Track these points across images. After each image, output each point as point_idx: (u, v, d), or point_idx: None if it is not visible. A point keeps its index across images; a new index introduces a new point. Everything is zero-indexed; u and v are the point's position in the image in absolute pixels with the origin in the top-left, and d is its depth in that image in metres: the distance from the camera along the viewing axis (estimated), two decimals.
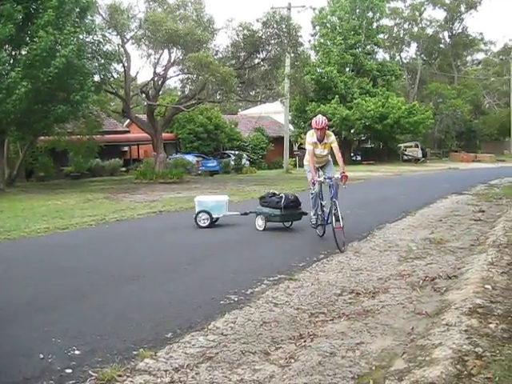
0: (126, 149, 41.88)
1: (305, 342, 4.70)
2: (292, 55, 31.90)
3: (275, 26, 29.68)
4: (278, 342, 4.74)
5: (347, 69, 49.59)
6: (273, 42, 30.54)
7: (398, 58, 70.39)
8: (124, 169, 38.18)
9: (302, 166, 13.22)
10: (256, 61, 32.19)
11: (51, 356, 4.45)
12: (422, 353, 4.20)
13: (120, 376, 4.01)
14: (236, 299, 6.10)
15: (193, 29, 27.61)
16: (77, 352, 4.53)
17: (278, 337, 4.85)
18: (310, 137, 9.74)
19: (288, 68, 32.79)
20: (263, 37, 30.20)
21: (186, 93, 33.19)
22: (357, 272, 7.32)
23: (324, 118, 9.61)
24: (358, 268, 7.57)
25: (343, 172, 9.24)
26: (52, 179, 32.68)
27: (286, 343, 4.70)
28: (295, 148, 45.81)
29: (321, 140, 9.65)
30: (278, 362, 4.30)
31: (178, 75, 32.58)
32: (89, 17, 26.53)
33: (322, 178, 9.61)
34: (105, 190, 24.02)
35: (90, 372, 4.12)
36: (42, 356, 4.45)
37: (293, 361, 4.30)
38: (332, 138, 9.81)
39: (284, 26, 29.77)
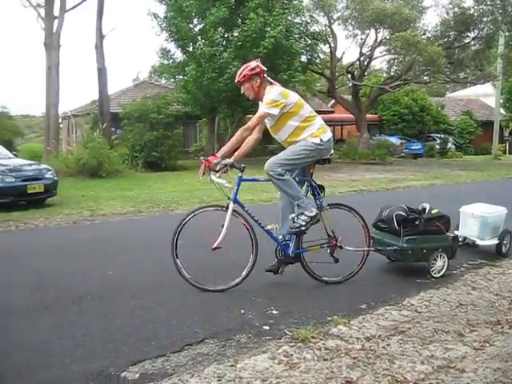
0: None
1: (502, 328, 4.52)
2: (507, 33, 30.08)
3: (489, 2, 28.18)
4: (474, 324, 4.60)
5: None
6: (485, 19, 29.07)
7: None
8: None
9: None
10: (466, 40, 30.88)
11: (251, 312, 4.77)
12: None
13: (313, 338, 4.16)
14: (433, 279, 6.02)
15: (400, 7, 27.17)
16: (274, 312, 4.79)
17: (473, 320, 4.71)
18: None
19: (502, 47, 30.98)
20: (475, 14, 28.88)
21: (392, 73, 32.74)
22: None
23: (251, 64, 5.76)
24: None
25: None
26: (257, 155, 34.00)
27: (482, 327, 4.55)
28: (506, 133, 43.22)
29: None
30: (471, 344, 4.18)
31: (383, 55, 32.21)
32: None
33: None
34: None
35: (286, 331, 4.33)
36: (242, 311, 4.79)
37: (487, 345, 4.15)
38: (265, 98, 5.63)
39: (499, 2, 28.14)
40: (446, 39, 30.19)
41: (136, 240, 8.27)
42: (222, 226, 5.49)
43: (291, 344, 4.07)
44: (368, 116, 33.63)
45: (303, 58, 27.68)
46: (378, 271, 6.39)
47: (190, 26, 24.84)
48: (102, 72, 24.45)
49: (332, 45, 30.28)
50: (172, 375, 3.56)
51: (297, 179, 5.76)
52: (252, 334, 4.28)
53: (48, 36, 25.95)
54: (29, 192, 12.01)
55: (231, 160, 5.54)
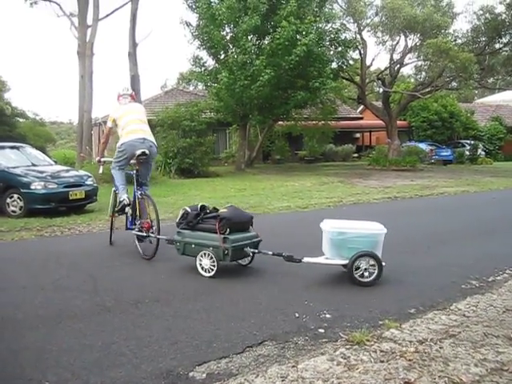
0: (358, 135, 42.34)
1: None
2: None
3: None
4: None
5: None
6: None
7: None
8: (356, 155, 38.71)
9: None
10: (497, 46, 30.70)
11: (305, 316, 4.91)
12: None
13: (368, 341, 4.29)
14: (477, 285, 6.08)
15: (431, 14, 27.08)
16: (327, 316, 4.93)
17: None
18: None
19: None
20: (507, 20, 28.70)
21: (422, 80, 32.69)
22: None
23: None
24: None
25: None
26: (287, 162, 34.20)
27: None
28: None
29: None
30: None
31: (413, 62, 32.20)
32: (328, 6, 27.23)
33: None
34: (339, 174, 24.69)
35: (341, 334, 4.47)
36: (297, 315, 4.93)
37: None
38: None
39: None
40: (476, 45, 30.03)
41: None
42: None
43: (347, 346, 4.21)
44: (398, 122, 33.59)
45: (334, 65, 27.74)
46: (424, 275, 6.50)
47: (222, 33, 25.08)
48: (135, 79, 24.70)
49: (362, 51, 30.36)
50: (237, 375, 3.71)
51: (130, 173, 8.16)
52: (308, 337, 4.42)
53: (81, 45, 26.39)
54: (70, 198, 12.29)
55: (98, 158, 8.87)
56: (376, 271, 5.97)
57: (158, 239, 7.24)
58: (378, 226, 6.28)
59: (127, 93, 8.51)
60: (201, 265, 6.41)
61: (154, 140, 8.01)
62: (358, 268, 5.95)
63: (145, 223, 7.54)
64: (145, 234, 7.48)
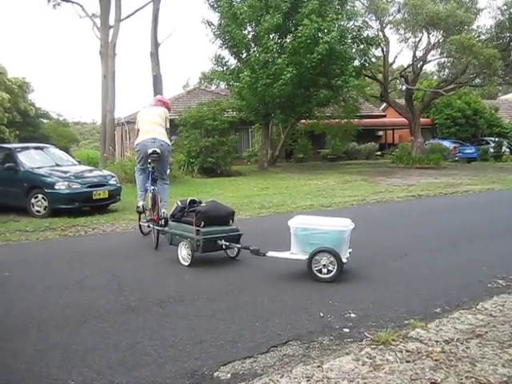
0: (380, 133, 42.06)
1: None
2: None
3: None
4: None
5: None
6: None
7: None
8: (379, 153, 38.47)
9: None
10: None
11: (330, 316, 4.87)
12: None
13: (394, 340, 4.25)
14: (504, 284, 5.99)
15: (454, 10, 26.73)
16: (352, 315, 4.89)
17: None
18: None
19: None
20: None
21: (445, 76, 32.37)
22: None
23: None
24: None
25: None
26: (309, 161, 34.11)
27: None
28: None
29: None
30: None
31: (436, 59, 31.87)
32: (349, 3, 27.08)
33: None
34: (362, 172, 24.59)
35: (366, 333, 4.44)
36: (321, 315, 4.90)
37: None
38: None
39: None
40: (500, 41, 29.61)
41: None
42: None
43: (372, 346, 4.18)
44: (421, 120, 33.29)
45: (356, 63, 27.57)
46: (447, 273, 6.44)
47: (244, 32, 25.08)
48: (157, 79, 24.84)
49: (384, 49, 30.14)
50: (262, 375, 3.70)
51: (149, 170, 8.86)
52: (333, 337, 4.40)
53: (104, 45, 26.62)
54: (94, 198, 12.36)
55: None
56: (335, 268, 6.00)
57: (158, 231, 8.04)
58: (345, 222, 6.32)
59: (154, 97, 9.78)
60: (181, 254, 7.06)
61: (165, 139, 8.81)
62: (317, 264, 6.07)
63: (154, 216, 8.58)
64: (146, 224, 8.67)
